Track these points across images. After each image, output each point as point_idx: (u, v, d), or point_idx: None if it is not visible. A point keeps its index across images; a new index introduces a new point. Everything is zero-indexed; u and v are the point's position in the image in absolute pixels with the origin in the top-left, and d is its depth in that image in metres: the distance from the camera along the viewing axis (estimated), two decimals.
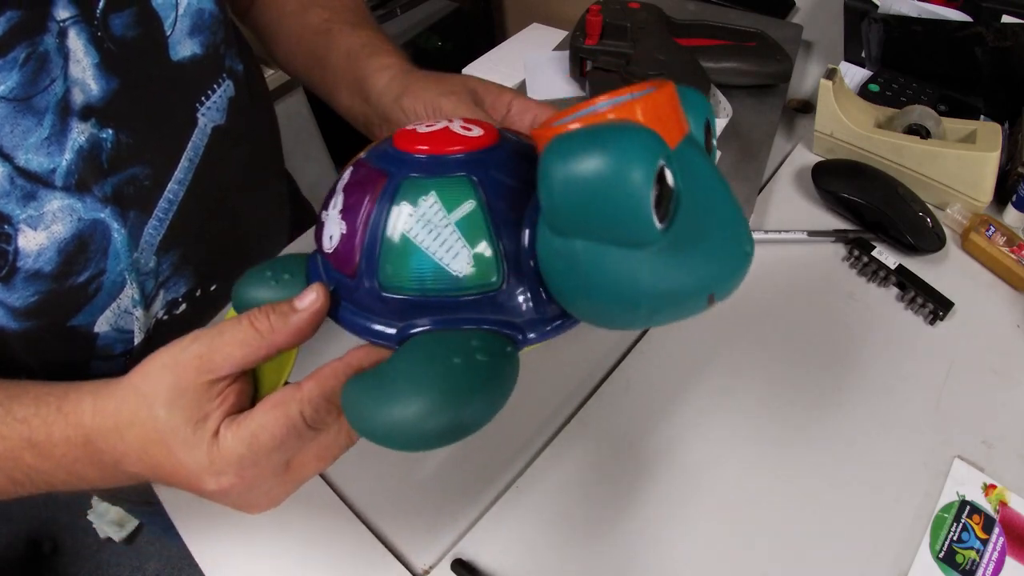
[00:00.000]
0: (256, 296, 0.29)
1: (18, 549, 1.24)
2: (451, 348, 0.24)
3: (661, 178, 0.20)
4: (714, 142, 0.26)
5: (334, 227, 0.27)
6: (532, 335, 0.25)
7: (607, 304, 0.22)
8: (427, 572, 0.36)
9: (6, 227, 0.34)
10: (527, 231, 0.25)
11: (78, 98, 0.35)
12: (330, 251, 0.27)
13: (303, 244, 0.54)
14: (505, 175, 0.25)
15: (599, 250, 0.21)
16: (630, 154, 0.19)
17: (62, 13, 0.33)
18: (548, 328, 0.26)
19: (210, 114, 0.43)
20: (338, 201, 0.27)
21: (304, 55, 0.49)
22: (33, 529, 1.27)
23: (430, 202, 0.24)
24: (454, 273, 0.24)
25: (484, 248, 0.24)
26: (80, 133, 0.35)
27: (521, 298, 0.25)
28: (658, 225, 0.20)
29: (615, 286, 0.22)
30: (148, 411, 0.25)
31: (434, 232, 0.24)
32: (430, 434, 0.22)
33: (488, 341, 0.24)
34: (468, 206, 0.24)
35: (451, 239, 0.24)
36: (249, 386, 0.27)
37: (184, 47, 0.40)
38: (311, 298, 0.26)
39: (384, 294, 0.25)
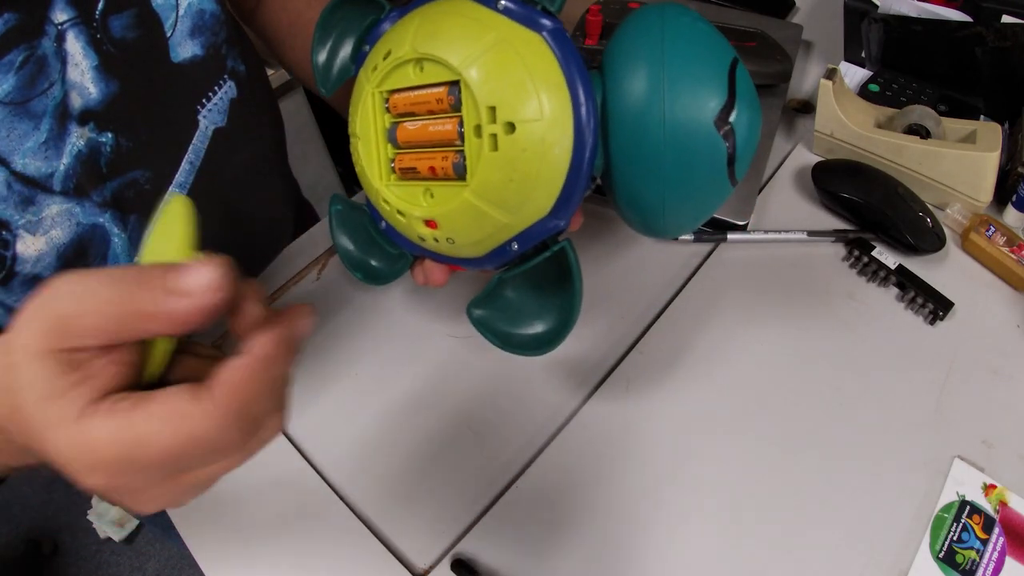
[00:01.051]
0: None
1: (18, 549, 1.24)
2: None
3: None
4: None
5: None
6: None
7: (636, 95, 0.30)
8: (427, 572, 0.36)
9: (4, 233, 0.34)
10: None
11: (76, 102, 0.35)
12: None
13: (305, 243, 0.54)
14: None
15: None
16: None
17: (60, 15, 0.33)
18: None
19: (211, 116, 0.42)
20: None
21: None
22: (33, 529, 1.27)
23: None
24: None
25: None
26: (79, 138, 0.35)
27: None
28: None
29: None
30: (6, 375, 0.20)
31: None
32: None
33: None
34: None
35: None
36: (133, 357, 0.21)
37: (185, 48, 0.40)
38: (200, 280, 0.19)
39: None
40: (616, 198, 0.34)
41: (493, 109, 0.29)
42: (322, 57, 0.38)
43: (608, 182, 0.33)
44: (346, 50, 0.38)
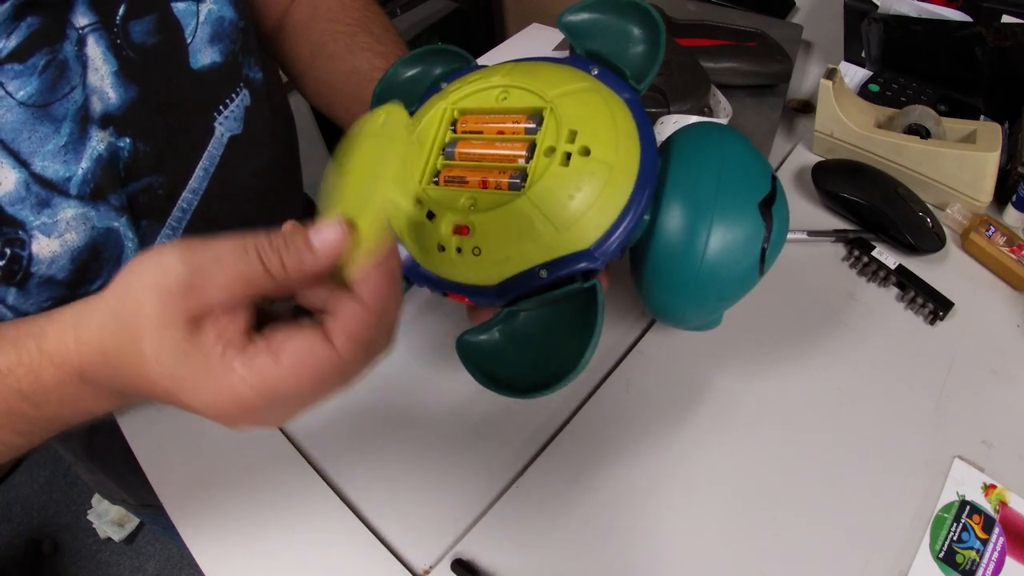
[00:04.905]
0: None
1: (18, 549, 1.24)
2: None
3: None
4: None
5: None
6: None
7: None
8: (427, 572, 0.36)
9: (20, 233, 0.34)
10: None
11: (97, 106, 0.35)
12: None
13: None
14: None
15: None
16: None
17: (81, 20, 0.33)
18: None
19: (227, 123, 0.42)
20: None
21: (349, 97, 0.49)
22: (33, 529, 1.27)
23: None
24: None
25: None
26: (99, 141, 0.35)
27: None
28: None
29: None
30: (134, 345, 0.22)
31: None
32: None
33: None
34: None
35: None
36: (251, 311, 0.23)
37: (204, 55, 0.40)
38: (329, 235, 0.22)
39: None
40: (646, 300, 0.37)
41: (574, 133, 0.31)
42: (405, 72, 0.43)
43: (639, 279, 0.36)
44: (416, 83, 0.42)
